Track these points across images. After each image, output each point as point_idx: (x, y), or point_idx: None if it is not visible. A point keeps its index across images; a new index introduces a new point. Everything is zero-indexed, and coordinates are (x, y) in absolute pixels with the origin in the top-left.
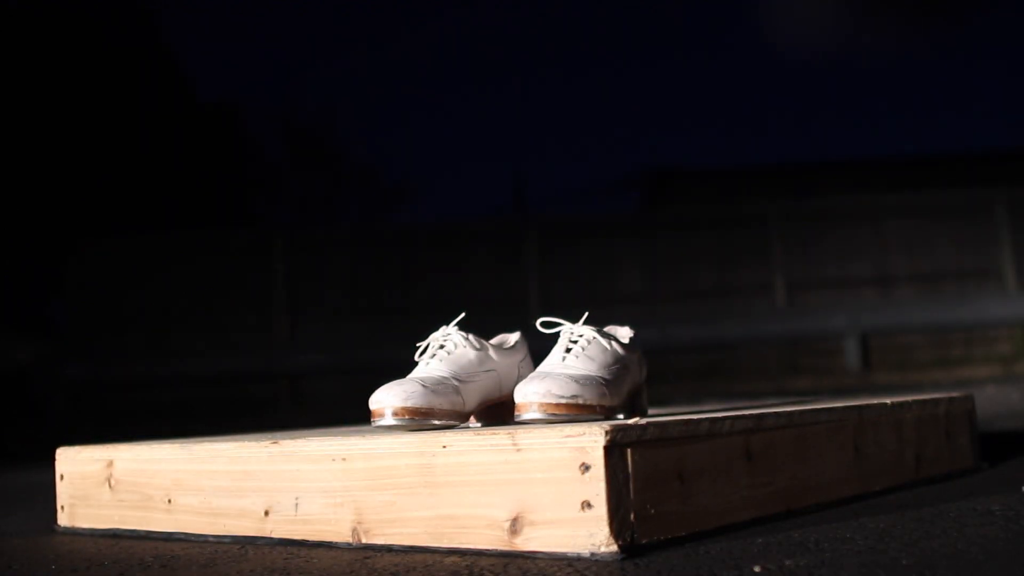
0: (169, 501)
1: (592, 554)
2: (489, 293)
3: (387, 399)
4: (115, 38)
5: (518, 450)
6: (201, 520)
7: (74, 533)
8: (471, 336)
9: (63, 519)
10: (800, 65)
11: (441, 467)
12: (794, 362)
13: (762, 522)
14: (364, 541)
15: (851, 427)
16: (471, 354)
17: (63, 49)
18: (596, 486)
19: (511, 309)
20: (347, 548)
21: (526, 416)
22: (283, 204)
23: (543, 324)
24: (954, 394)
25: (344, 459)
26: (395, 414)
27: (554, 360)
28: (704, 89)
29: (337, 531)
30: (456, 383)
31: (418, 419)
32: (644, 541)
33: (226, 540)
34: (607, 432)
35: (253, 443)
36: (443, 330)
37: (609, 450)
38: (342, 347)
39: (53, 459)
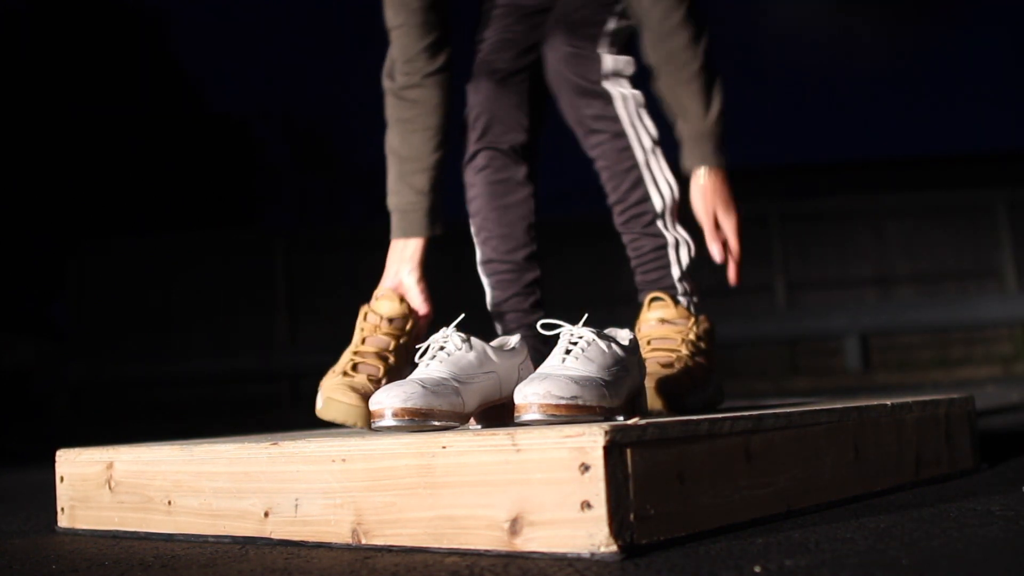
0: (169, 503)
1: (592, 554)
2: None
3: (387, 400)
4: (118, 42)
5: (518, 450)
6: (201, 521)
7: (74, 534)
8: (471, 338)
9: (63, 520)
10: (800, 66)
11: (441, 468)
12: (794, 362)
13: (762, 522)
14: (364, 542)
15: (851, 428)
16: (471, 356)
17: (69, 55)
18: (596, 486)
19: None
20: (347, 549)
21: (526, 417)
22: (284, 205)
23: (543, 326)
24: (954, 395)
25: (344, 460)
26: (395, 415)
27: (554, 361)
28: None
29: (337, 532)
30: (456, 384)
31: (418, 420)
32: (644, 541)
33: (226, 541)
34: (607, 432)
35: (253, 444)
36: (443, 331)
37: (609, 450)
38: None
39: (54, 459)
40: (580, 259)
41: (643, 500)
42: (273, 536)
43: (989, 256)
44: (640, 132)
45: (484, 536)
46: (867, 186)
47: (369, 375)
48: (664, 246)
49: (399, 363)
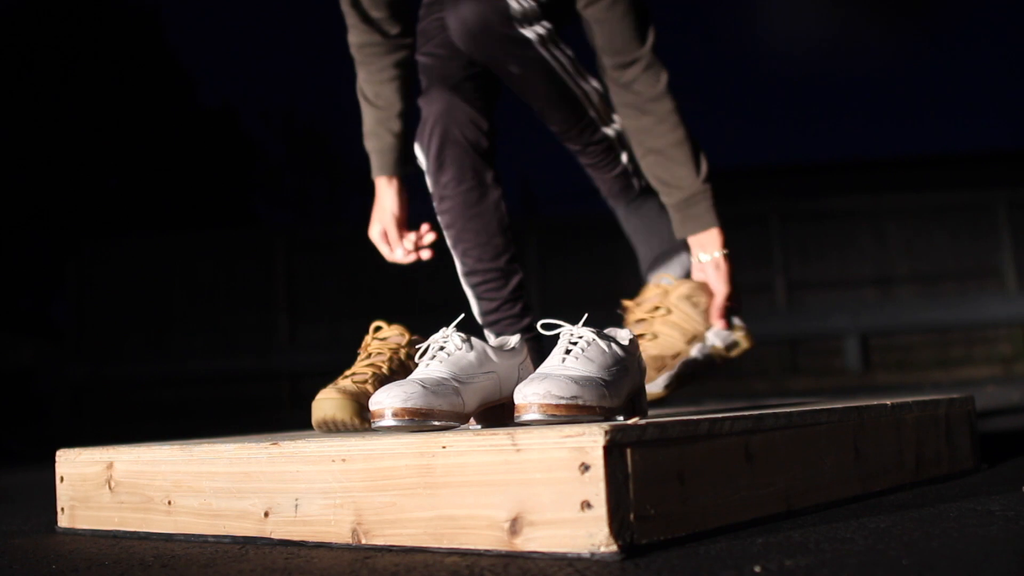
0: (169, 503)
1: (592, 554)
2: None
3: (387, 400)
4: (117, 41)
5: (518, 450)
6: (201, 521)
7: (74, 534)
8: (471, 338)
9: (63, 520)
10: (801, 66)
11: (441, 468)
12: (794, 362)
13: (762, 522)
14: (364, 542)
15: (851, 428)
16: (471, 356)
17: (67, 53)
18: (596, 486)
19: None
20: (347, 549)
21: (526, 417)
22: (283, 205)
23: (544, 326)
24: (954, 395)
25: (344, 460)
26: (395, 415)
27: (554, 361)
28: (704, 90)
29: (337, 532)
30: (456, 384)
31: (418, 420)
32: (644, 541)
33: (226, 540)
34: (607, 432)
35: (253, 444)
36: (443, 331)
37: (609, 450)
38: (342, 347)
39: (54, 459)
40: (580, 259)
41: (643, 500)
42: (273, 536)
43: (989, 256)
44: (562, 60)
45: (484, 536)
46: (867, 186)
47: (355, 380)
48: (612, 146)
49: (391, 374)
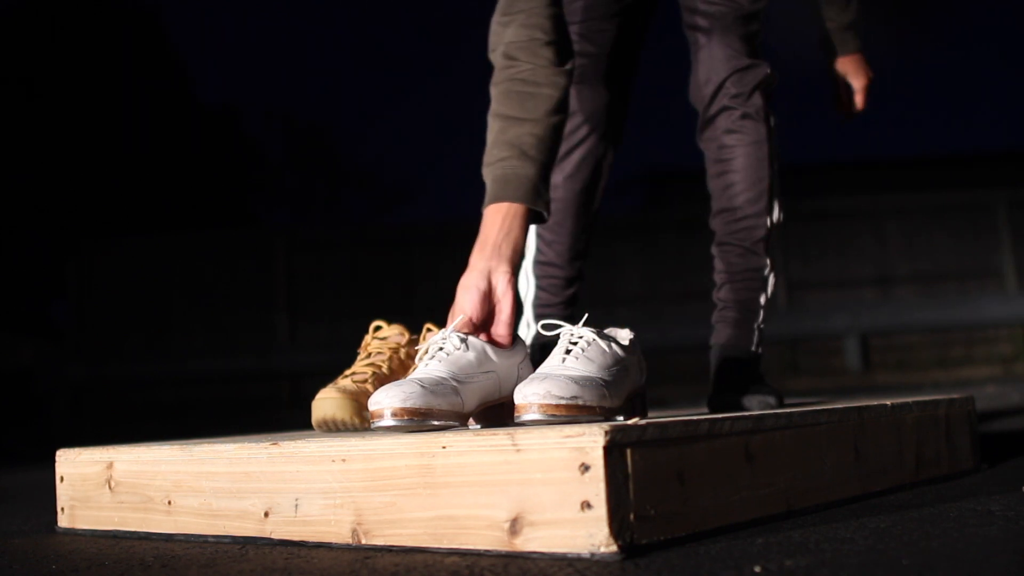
0: (169, 503)
1: (592, 554)
2: None
3: (386, 400)
4: (117, 40)
5: (518, 450)
6: (201, 521)
7: (74, 534)
8: (469, 337)
9: (63, 521)
10: (800, 65)
11: (441, 468)
12: (794, 362)
13: (762, 522)
14: (364, 542)
15: (851, 428)
16: (470, 355)
17: (67, 53)
18: (596, 486)
19: None
20: (347, 549)
21: (526, 417)
22: (283, 204)
23: (544, 326)
24: (954, 395)
25: (344, 460)
26: (394, 415)
27: (554, 361)
28: None
29: (337, 532)
30: (455, 384)
31: (417, 420)
32: (644, 541)
33: (226, 540)
34: (607, 432)
35: (253, 444)
36: (442, 331)
37: (609, 450)
38: (342, 347)
39: (54, 459)
40: None
41: (643, 500)
42: (273, 536)
43: (989, 256)
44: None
45: (484, 536)
46: (867, 186)
47: (355, 380)
48: (761, 268)
49: (391, 374)
